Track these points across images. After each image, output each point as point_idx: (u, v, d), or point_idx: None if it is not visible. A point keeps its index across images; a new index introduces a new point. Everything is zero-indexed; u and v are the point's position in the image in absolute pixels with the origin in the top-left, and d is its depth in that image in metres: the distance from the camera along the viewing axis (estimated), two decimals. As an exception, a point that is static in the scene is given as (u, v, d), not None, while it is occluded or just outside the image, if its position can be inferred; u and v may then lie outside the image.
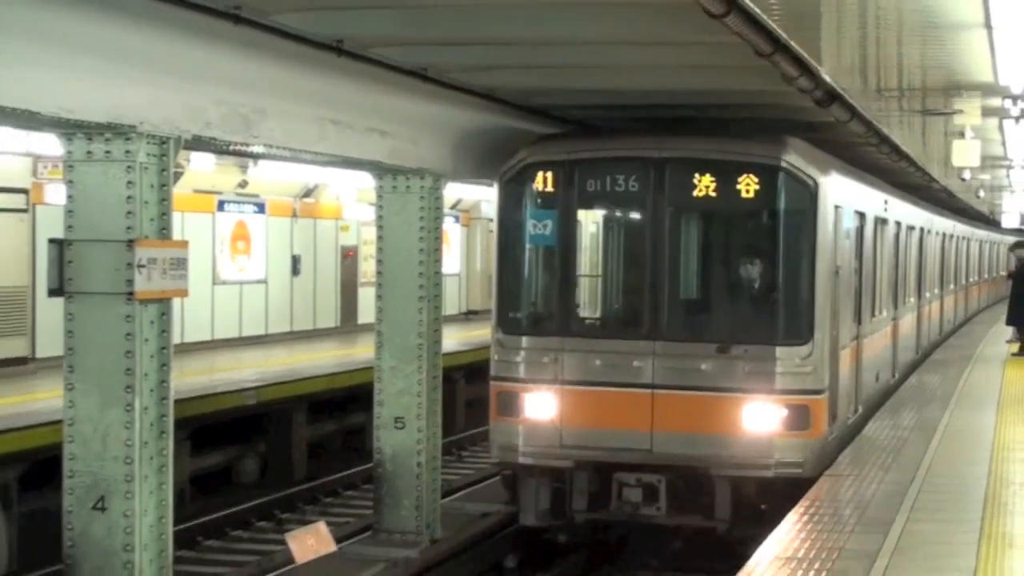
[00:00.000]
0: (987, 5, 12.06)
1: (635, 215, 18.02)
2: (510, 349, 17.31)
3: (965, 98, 18.34)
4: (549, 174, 17.16)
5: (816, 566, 11.06)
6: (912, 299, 28.76)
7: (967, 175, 32.20)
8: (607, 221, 18.97)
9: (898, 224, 25.50)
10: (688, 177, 16.65)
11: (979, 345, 34.13)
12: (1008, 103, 18.89)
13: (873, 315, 21.74)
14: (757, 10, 11.09)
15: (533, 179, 17.24)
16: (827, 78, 14.90)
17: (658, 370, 16.57)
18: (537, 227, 17.32)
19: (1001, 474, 15.30)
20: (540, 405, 16.96)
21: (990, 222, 56.64)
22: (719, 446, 16.28)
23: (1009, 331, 32.18)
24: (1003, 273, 49.25)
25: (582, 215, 17.82)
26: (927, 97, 18.72)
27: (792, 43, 12.60)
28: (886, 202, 23.46)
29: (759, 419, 16.21)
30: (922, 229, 30.72)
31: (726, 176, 16.58)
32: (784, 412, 16.19)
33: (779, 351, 16.31)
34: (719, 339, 16.51)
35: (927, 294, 32.34)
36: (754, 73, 14.42)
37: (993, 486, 14.53)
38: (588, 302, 18.51)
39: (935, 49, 14.85)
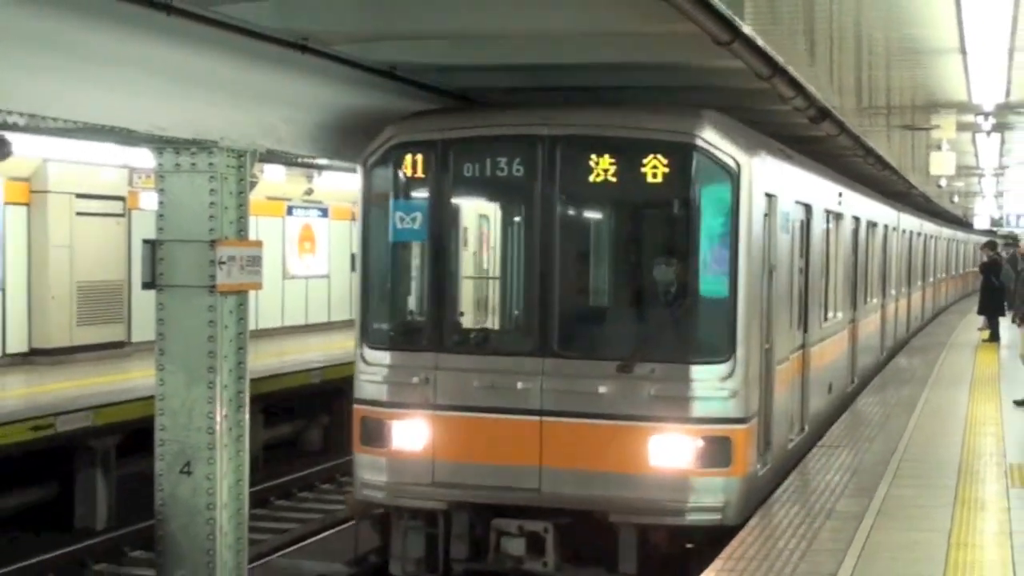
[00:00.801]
0: (962, 33, 12.06)
1: (520, 205, 13.19)
2: (375, 366, 12.62)
3: (942, 115, 18.35)
4: (419, 156, 12.46)
5: (812, 525, 11.04)
6: (875, 299, 24.16)
7: (943, 183, 32.15)
8: (488, 213, 14.63)
9: (856, 219, 20.72)
10: (583, 159, 11.97)
11: (953, 333, 33.94)
12: (980, 119, 18.89)
13: (825, 319, 17.22)
14: (759, 38, 11.09)
15: (401, 163, 12.54)
16: (819, 98, 14.87)
17: (548, 393, 11.94)
18: (405, 220, 12.61)
19: (973, 446, 15.24)
20: (409, 434, 12.36)
21: (963, 224, 56.33)
22: (622, 486, 11.73)
23: (980, 320, 32.01)
24: (974, 268, 48.78)
25: (458, 205, 13.19)
26: (909, 114, 18.69)
27: (788, 67, 12.57)
28: (840, 195, 18.56)
29: (670, 453, 11.68)
30: (887, 226, 25.95)
31: (628, 157, 11.92)
32: (700, 445, 11.65)
33: (693, 370, 11.72)
34: (621, 356, 11.87)
35: (893, 292, 27.57)
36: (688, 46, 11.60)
37: (966, 456, 14.48)
38: (466, 310, 13.66)
39: (916, 72, 14.84)
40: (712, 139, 11.73)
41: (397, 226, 12.63)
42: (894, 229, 27.42)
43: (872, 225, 23.23)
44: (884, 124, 19.71)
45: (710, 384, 11.71)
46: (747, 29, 10.65)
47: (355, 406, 12.76)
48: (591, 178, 11.91)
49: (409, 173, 12.51)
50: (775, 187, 12.91)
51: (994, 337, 30.33)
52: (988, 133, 20.25)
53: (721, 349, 11.79)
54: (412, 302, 13.23)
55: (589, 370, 11.88)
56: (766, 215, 12.54)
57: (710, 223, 11.93)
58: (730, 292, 11.76)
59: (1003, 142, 23.34)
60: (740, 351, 11.74)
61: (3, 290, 21.58)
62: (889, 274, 26.41)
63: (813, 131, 17.28)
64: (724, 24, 10.32)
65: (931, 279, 38.98)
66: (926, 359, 26.29)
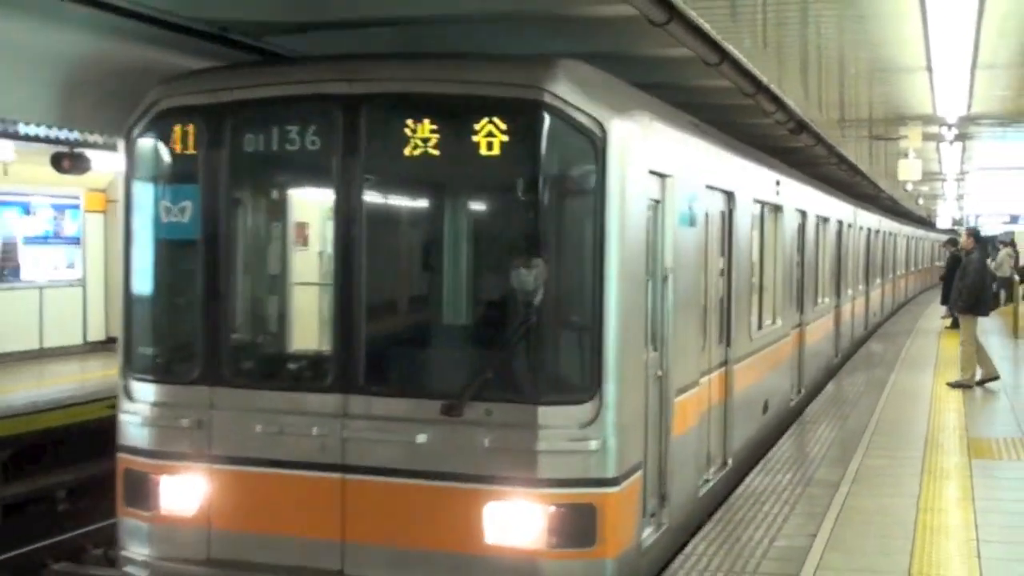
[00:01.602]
0: (929, 53, 12.12)
1: (315, 190, 9.14)
2: (140, 403, 8.66)
3: (909, 126, 18.41)
4: (190, 127, 8.48)
5: (794, 492, 11.11)
6: (828, 299, 20.58)
7: (909, 187, 32.17)
8: (277, 200, 9.42)
9: (802, 214, 16.82)
10: (396, 126, 7.93)
11: (918, 321, 33.95)
12: (944, 130, 18.94)
13: (759, 328, 13.56)
14: (743, 59, 11.18)
15: (168, 135, 8.56)
16: (798, 112, 14.94)
17: (352, 443, 8.00)
18: (172, 211, 8.59)
19: (938, 422, 15.27)
20: (180, 493, 8.46)
21: (927, 223, 56.30)
22: (450, 571, 7.86)
23: (943, 309, 31.99)
24: (940, 263, 48.55)
25: (239, 190, 8.74)
26: (879, 125, 18.74)
27: (771, 85, 12.66)
28: (778, 183, 14.49)
29: (512, 527, 7.71)
30: (841, 222, 22.09)
31: (455, 122, 7.88)
32: (553, 516, 7.63)
33: (543, 414, 7.62)
34: (447, 393, 7.79)
35: (849, 291, 23.83)
36: None
37: (932, 431, 14.51)
38: (249, 331, 9.14)
39: (886, 88, 14.89)
40: (567, 94, 7.59)
41: (163, 219, 8.59)
42: (850, 225, 23.67)
43: (823, 220, 19.50)
44: (856, 135, 19.76)
45: (566, 432, 7.61)
46: (734, 52, 10.75)
47: (118, 454, 8.79)
48: (407, 151, 7.79)
49: (178, 149, 8.51)
50: (671, 165, 9.02)
51: (956, 324, 30.31)
52: (951, 142, 20.31)
53: (581, 384, 7.70)
54: (180, 320, 9.02)
55: (406, 411, 7.84)
56: (656, 202, 8.79)
57: (565, 212, 7.85)
58: (593, 306, 7.64)
59: (964, 150, 23.39)
60: (609, 386, 7.64)
61: (84, 286, 22.52)
62: (845, 272, 22.85)
63: (793, 142, 17.36)
64: (713, 47, 10.42)
65: (892, 275, 35.65)
66: (894, 344, 26.30)
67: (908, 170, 20.73)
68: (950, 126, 18.66)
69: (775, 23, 10.72)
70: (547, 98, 7.58)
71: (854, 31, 11.54)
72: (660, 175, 8.85)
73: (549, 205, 7.68)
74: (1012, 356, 23.96)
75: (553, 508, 7.62)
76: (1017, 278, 33.67)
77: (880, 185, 29.34)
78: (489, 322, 8.35)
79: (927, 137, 19.26)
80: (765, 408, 13.90)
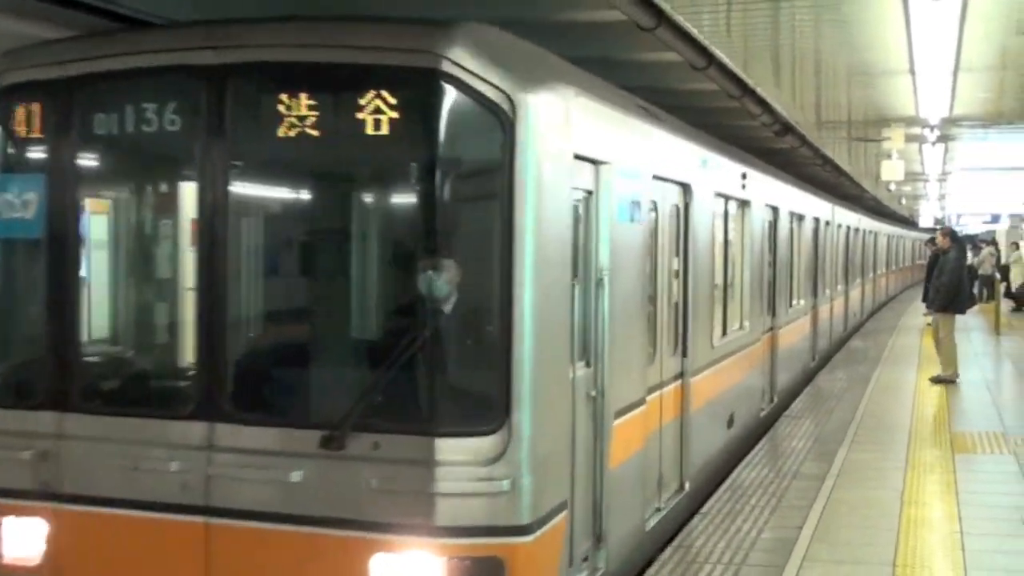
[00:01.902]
0: (912, 56, 12.19)
1: (177, 179, 7.35)
2: None
3: (892, 128, 18.52)
4: (35, 106, 7.03)
5: (781, 484, 11.17)
6: (803, 300, 19.09)
7: (892, 187, 32.29)
8: (132, 192, 7.79)
9: (774, 210, 15.44)
10: (267, 101, 6.52)
11: (900, 318, 34.05)
12: (926, 131, 19.06)
13: (724, 334, 12.19)
14: (729, 63, 11.25)
15: (12, 116, 7.09)
16: (783, 114, 15.01)
17: (217, 481, 6.56)
18: (15, 205, 7.09)
19: (922, 416, 15.34)
20: (24, 537, 6.95)
21: (909, 222, 56.41)
22: None
23: (924, 307, 32.10)
24: (920, 262, 48.55)
25: (88, 181, 7.22)
26: (863, 127, 18.84)
27: (757, 88, 12.73)
28: (744, 177, 13.06)
29: None
30: (818, 219, 20.54)
31: (337, 96, 6.51)
32: (451, 569, 6.19)
33: (440, 447, 6.21)
34: (328, 421, 6.31)
35: (827, 291, 22.46)
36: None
37: (916, 426, 14.56)
38: (102, 347, 7.57)
39: (870, 91, 14.97)
40: (469, 62, 6.17)
41: (3, 215, 7.08)
42: (827, 223, 22.12)
43: (798, 218, 18.08)
44: (840, 136, 19.85)
45: (468, 470, 6.15)
46: (720, 55, 10.82)
47: None
48: (281, 132, 6.33)
49: (22, 132, 7.03)
50: (607, 151, 7.68)
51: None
52: (933, 143, 20.43)
53: (486, 411, 6.22)
54: (22, 334, 7.49)
55: (279, 443, 6.36)
56: (588, 193, 7.50)
57: (465, 203, 6.38)
58: (501, 316, 6.20)
59: (946, 151, 23.51)
60: (522, 413, 6.18)
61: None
62: (823, 271, 21.42)
63: (778, 143, 17.44)
64: (700, 52, 10.49)
65: (872, 274, 34.06)
66: (877, 341, 26.38)
67: (891, 171, 20.86)
68: (932, 128, 18.79)
69: (760, 27, 10.80)
70: (444, 66, 6.08)
71: (837, 35, 11.62)
72: (592, 161, 7.43)
73: (447, 195, 6.16)
74: (994, 352, 24.04)
75: (452, 561, 6.13)
76: (998, 276, 33.83)
77: (863, 185, 29.43)
78: (378, 336, 6.83)
79: (910, 139, 19.38)
80: (731, 422, 12.38)
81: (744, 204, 13.36)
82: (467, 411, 6.33)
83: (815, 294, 20.43)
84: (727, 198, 12.38)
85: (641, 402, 8.58)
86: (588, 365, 7.51)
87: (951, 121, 18.12)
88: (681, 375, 10.13)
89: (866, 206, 35.77)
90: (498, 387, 6.20)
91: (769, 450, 13.02)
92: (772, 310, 15.54)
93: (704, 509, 10.22)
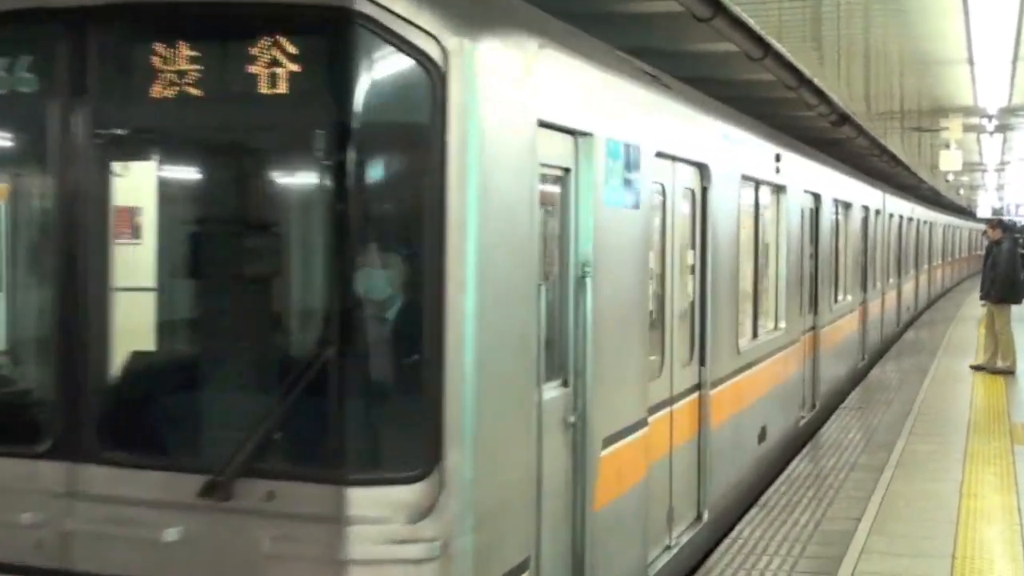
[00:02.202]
0: (970, 45, 11.99)
1: (27, 156, 5.44)
2: None
3: (950, 118, 18.26)
4: None
5: (838, 476, 11.02)
6: (851, 295, 17.60)
7: (950, 177, 31.87)
8: None
9: (815, 197, 13.96)
10: (139, 53, 4.78)
11: (960, 309, 33.59)
12: (985, 121, 18.77)
13: (754, 336, 10.82)
14: (787, 53, 11.09)
15: None
16: (840, 104, 14.81)
17: (79, 538, 4.86)
18: None
19: (981, 407, 15.12)
20: None
21: (966, 212, 55.68)
22: None
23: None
24: (978, 252, 47.71)
25: None
26: (920, 117, 18.59)
27: (814, 79, 12.55)
28: (779, 159, 11.48)
29: None
30: (867, 208, 18.94)
31: (225, 45, 4.77)
32: None
33: (352, 499, 4.52)
34: (210, 466, 4.65)
35: (877, 285, 20.67)
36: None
37: (974, 416, 14.35)
38: None
39: (927, 80, 14.75)
40: (390, 1, 4.71)
41: None
42: (878, 212, 20.62)
43: (844, 206, 16.62)
44: (897, 127, 19.58)
45: (387, 529, 4.64)
46: (777, 46, 10.66)
47: None
48: (157, 91, 4.82)
49: None
50: (588, 119, 6.17)
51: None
52: (991, 133, 20.11)
53: (410, 452, 4.74)
54: None
55: (153, 491, 4.85)
56: (564, 171, 6.04)
57: (385, 182, 4.88)
58: (430, 329, 4.73)
59: (1005, 141, 23.16)
60: (458, 453, 4.73)
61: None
62: (872, 264, 19.81)
63: (835, 134, 17.23)
64: (757, 42, 10.34)
65: (927, 265, 32.35)
66: (934, 332, 26.04)
67: (949, 161, 20.56)
68: (991, 117, 18.48)
69: (817, 18, 10.64)
70: (357, 4, 4.60)
71: (896, 25, 11.43)
72: (567, 131, 5.92)
73: (360, 172, 4.64)
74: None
75: None
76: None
77: (920, 176, 29.08)
78: (277, 355, 5.21)
79: (968, 128, 19.10)
80: (763, 435, 10.83)
81: (779, 190, 11.86)
82: (387, 452, 4.77)
83: (864, 288, 18.97)
84: (757, 182, 10.83)
85: (641, 424, 7.02)
86: (565, 384, 5.99)
87: (1010, 111, 17.82)
88: (699, 387, 8.63)
89: (922, 196, 35.32)
90: (426, 419, 4.63)
91: (828, 442, 12.85)
92: (814, 307, 14.06)
93: (761, 501, 10.09)
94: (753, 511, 9.74)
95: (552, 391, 5.82)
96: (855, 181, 17.72)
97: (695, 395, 8.60)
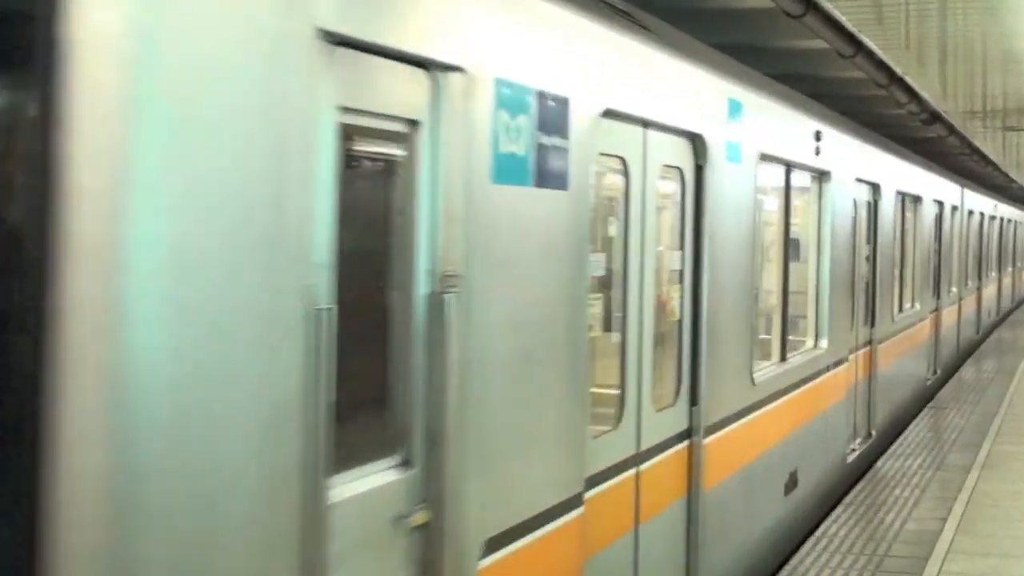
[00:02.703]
0: (1062, 44, 11.69)
1: None
2: None
3: (1041, 117, 17.83)
4: None
5: (924, 476, 10.81)
6: (919, 303, 15.21)
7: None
8: None
9: (873, 188, 12.00)
10: None
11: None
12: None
13: (782, 359, 8.81)
14: (878, 51, 10.90)
15: None
16: (931, 103, 14.54)
17: None
18: None
19: (1068, 409, 14.77)
20: None
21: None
22: None
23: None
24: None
25: None
26: (1011, 116, 18.19)
27: (906, 77, 12.32)
28: (819, 137, 9.49)
29: None
30: (941, 203, 17.01)
31: None
32: None
33: None
34: None
35: (953, 289, 18.64)
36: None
37: (1062, 418, 14.04)
38: None
39: (1014, 78, 14.42)
40: None
41: None
42: (955, 208, 18.73)
43: (913, 200, 14.79)
44: (987, 126, 19.19)
45: None
46: (869, 43, 10.47)
47: None
48: None
49: None
50: (435, 39, 3.95)
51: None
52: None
53: None
54: None
55: None
56: (412, 124, 3.95)
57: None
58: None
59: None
60: None
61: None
62: (947, 267, 17.92)
63: (925, 132, 16.92)
64: (848, 39, 10.15)
65: (1011, 268, 30.04)
66: (1019, 334, 25.49)
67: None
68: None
69: (911, 15, 10.43)
70: None
71: (988, 23, 11.15)
72: (407, 61, 3.83)
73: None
74: None
75: None
76: None
77: (1010, 175, 28.52)
78: None
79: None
80: (792, 483, 8.77)
81: (822, 176, 9.90)
82: None
83: (937, 294, 16.81)
84: (788, 165, 8.93)
85: (570, 505, 4.99)
86: (406, 465, 3.91)
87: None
88: (689, 434, 6.69)
89: (1012, 195, 34.56)
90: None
91: (917, 440, 12.61)
92: (870, 318, 12.00)
93: (847, 500, 9.92)
94: (838, 510, 9.58)
95: (364, 482, 3.68)
96: (926, 172, 15.58)
97: (681, 446, 6.56)
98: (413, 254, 3.95)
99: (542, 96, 4.70)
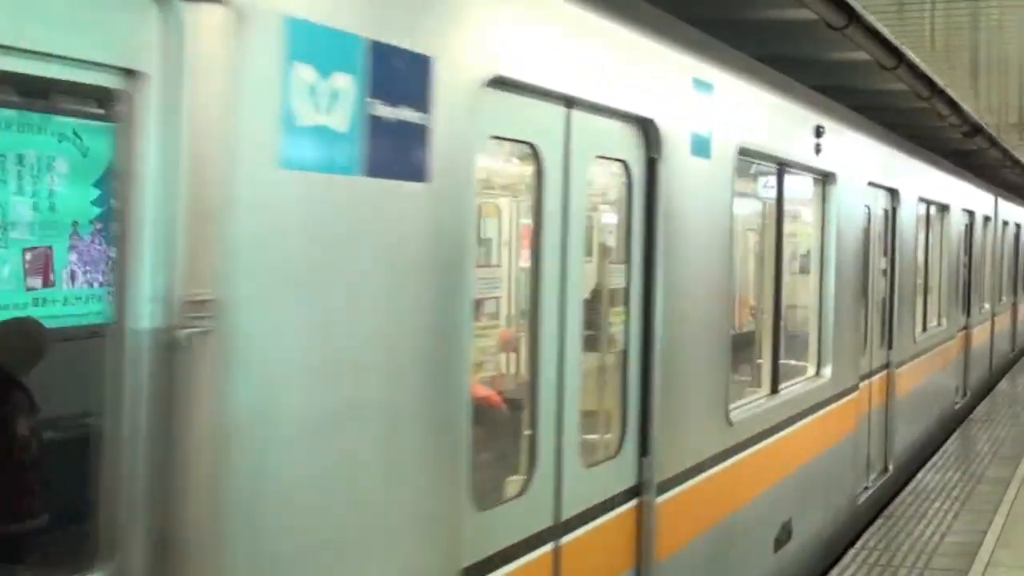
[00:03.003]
0: (1106, 57, 11.56)
1: None
2: None
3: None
4: None
5: (964, 489, 10.71)
6: (945, 321, 14.08)
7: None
8: None
9: (892, 194, 11.24)
10: None
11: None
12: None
13: (774, 391, 7.81)
14: (920, 63, 10.82)
15: None
16: (973, 115, 14.43)
17: None
18: None
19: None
20: None
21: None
22: None
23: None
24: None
25: None
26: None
27: (947, 89, 12.24)
28: (820, 133, 8.49)
29: None
30: (971, 212, 16.05)
31: None
32: None
33: None
34: None
35: (985, 306, 17.38)
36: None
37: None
38: None
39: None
40: None
41: None
42: (987, 219, 17.45)
43: (940, 209, 13.65)
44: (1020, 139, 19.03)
45: None
46: (911, 55, 10.40)
47: None
48: None
49: None
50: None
51: None
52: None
53: None
54: None
55: None
56: (127, 73, 2.73)
57: None
58: None
59: None
60: None
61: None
62: (979, 281, 16.67)
63: (967, 145, 16.79)
64: (891, 51, 10.09)
65: None
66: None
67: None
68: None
69: (949, 28, 10.35)
70: None
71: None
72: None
73: None
74: None
75: None
76: None
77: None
78: None
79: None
80: (784, 536, 7.63)
81: (825, 179, 8.77)
82: None
83: (967, 310, 15.53)
84: (782, 164, 7.79)
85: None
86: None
87: None
88: (637, 493, 5.45)
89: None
90: None
91: (956, 453, 12.49)
92: (888, 339, 11.02)
93: (887, 511, 9.84)
94: (879, 521, 9.50)
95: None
96: (953, 178, 14.31)
97: (627, 507, 5.35)
98: (129, 271, 2.72)
99: (379, 50, 3.43)
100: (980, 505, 10.10)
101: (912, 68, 10.81)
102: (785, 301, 7.98)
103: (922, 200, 12.22)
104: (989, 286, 17.70)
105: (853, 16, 8.68)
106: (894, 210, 11.14)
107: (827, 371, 8.64)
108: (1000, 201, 18.77)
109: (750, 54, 8.02)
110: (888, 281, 11.00)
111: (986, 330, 17.47)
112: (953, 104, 13.11)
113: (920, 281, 12.54)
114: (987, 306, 17.60)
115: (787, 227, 8.10)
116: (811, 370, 8.61)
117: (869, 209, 10.04)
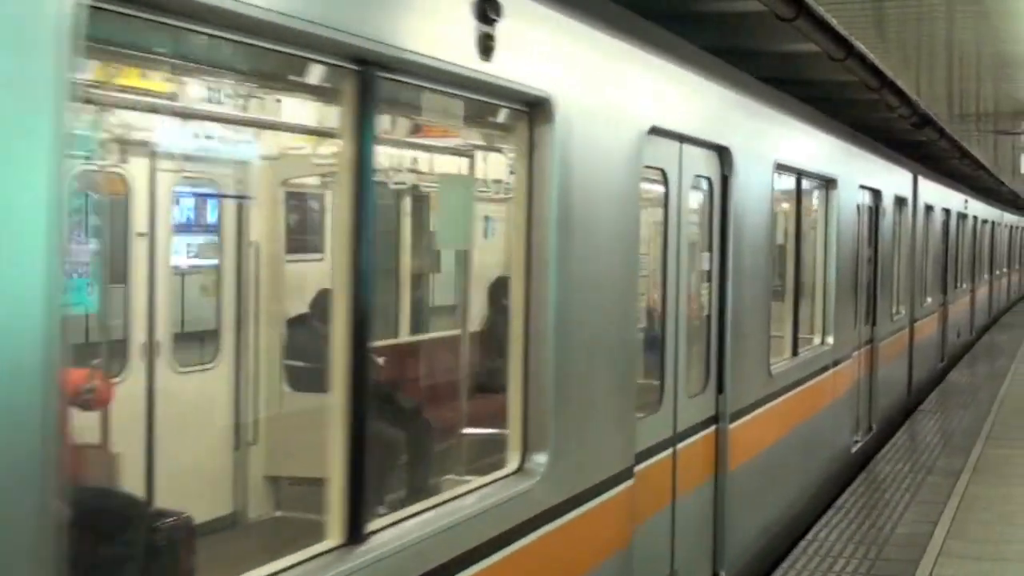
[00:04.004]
0: (1053, 48, 11.62)
1: None
2: None
3: (1032, 121, 17.78)
4: None
5: (914, 480, 10.74)
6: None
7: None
8: None
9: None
10: None
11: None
12: (1066, 125, 18.26)
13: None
14: (869, 54, 10.81)
15: None
16: (922, 106, 14.47)
17: None
18: None
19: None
20: None
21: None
22: None
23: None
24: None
25: None
26: (1000, 120, 18.14)
27: (897, 80, 12.24)
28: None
29: None
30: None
31: None
32: None
33: None
34: None
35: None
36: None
37: (1052, 421, 13.96)
38: None
39: (1006, 83, 14.36)
40: None
41: None
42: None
43: (822, 183, 10.65)
44: (977, 130, 19.13)
45: None
46: (860, 46, 10.38)
47: None
48: None
49: None
50: None
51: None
52: (1073, 137, 19.57)
53: None
54: None
55: None
56: None
57: None
58: None
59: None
60: None
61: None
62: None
63: (917, 136, 16.85)
64: (839, 42, 10.06)
65: (987, 275, 28.37)
66: (1012, 336, 25.43)
67: (1030, 164, 20.05)
68: (1073, 121, 17.97)
69: (898, 19, 10.34)
70: None
71: (978, 28, 11.07)
72: None
73: None
74: None
75: None
76: None
77: (1002, 179, 28.49)
78: None
79: (1050, 132, 18.58)
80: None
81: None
82: None
83: (872, 319, 12.63)
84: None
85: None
86: None
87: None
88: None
89: (1003, 199, 34.47)
90: None
91: (904, 444, 12.53)
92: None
93: (838, 503, 9.84)
94: (829, 513, 9.49)
95: None
96: (854, 148, 12.27)
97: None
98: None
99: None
100: (930, 496, 10.12)
101: (861, 59, 10.80)
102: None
103: (781, 167, 8.77)
104: (906, 286, 15.05)
105: (802, 8, 8.63)
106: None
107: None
108: (921, 180, 16.06)
109: (701, 46, 7.97)
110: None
111: (903, 341, 14.71)
112: (902, 95, 13.13)
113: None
114: (903, 311, 14.78)
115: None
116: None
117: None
